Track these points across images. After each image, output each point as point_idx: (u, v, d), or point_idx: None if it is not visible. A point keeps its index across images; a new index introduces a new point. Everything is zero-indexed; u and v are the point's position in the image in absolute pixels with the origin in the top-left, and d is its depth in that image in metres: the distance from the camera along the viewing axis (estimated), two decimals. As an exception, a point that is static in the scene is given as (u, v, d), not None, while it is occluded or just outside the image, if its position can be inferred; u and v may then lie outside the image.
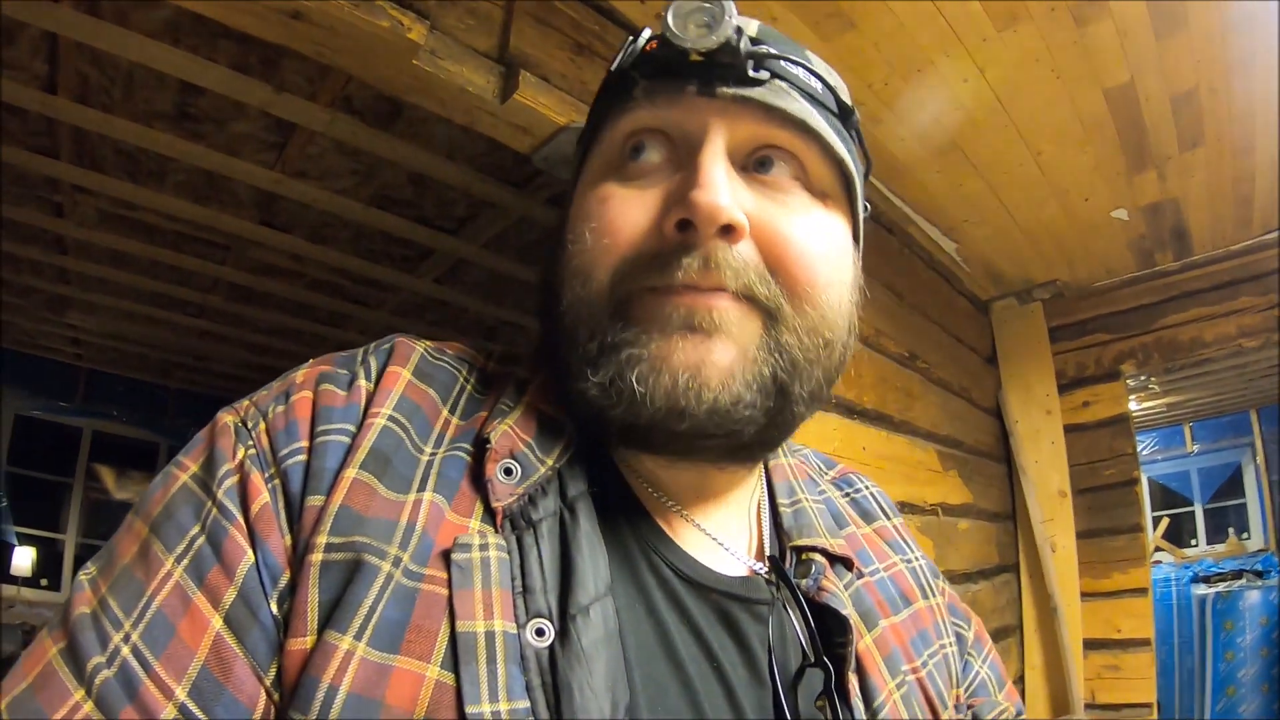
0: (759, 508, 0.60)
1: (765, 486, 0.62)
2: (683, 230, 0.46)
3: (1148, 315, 2.72)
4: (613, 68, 0.54)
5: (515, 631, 0.41)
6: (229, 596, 0.40)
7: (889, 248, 2.25)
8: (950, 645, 0.65)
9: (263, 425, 0.46)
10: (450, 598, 0.41)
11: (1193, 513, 6.99)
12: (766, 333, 0.48)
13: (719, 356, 0.46)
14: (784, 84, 0.50)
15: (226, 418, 0.47)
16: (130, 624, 0.39)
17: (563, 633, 0.42)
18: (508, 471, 0.46)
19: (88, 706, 0.37)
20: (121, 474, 5.68)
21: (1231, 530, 6.58)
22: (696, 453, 0.51)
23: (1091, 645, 2.59)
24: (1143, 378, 2.87)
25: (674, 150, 0.50)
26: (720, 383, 0.46)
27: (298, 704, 0.38)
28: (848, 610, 0.54)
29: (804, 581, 0.55)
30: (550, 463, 0.48)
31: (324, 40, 1.12)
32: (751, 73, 0.48)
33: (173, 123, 2.06)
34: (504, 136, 1.34)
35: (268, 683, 0.39)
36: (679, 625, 0.48)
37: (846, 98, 0.54)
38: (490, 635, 0.41)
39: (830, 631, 0.52)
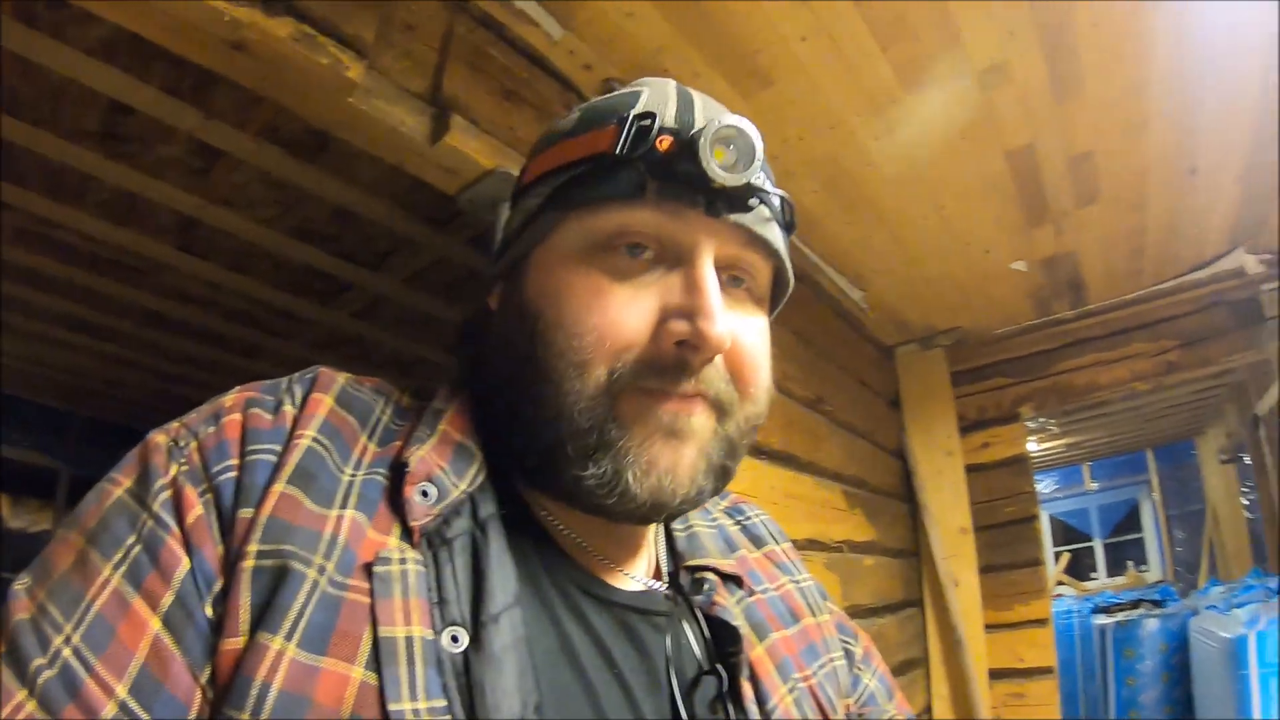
0: (654, 534, 0.65)
1: None
2: (681, 347, 0.52)
3: (1045, 361, 2.83)
4: (619, 150, 0.53)
5: (432, 638, 0.45)
6: (166, 600, 0.42)
7: (798, 295, 2.24)
8: (839, 659, 0.71)
9: (194, 444, 0.48)
10: (373, 606, 0.44)
11: (1093, 548, 7.32)
12: (719, 425, 0.55)
13: (688, 457, 0.53)
14: (765, 209, 0.56)
15: (158, 438, 0.49)
16: (70, 627, 0.41)
17: (475, 639, 0.45)
18: (424, 494, 0.50)
19: (30, 706, 0.38)
20: (16, 501, 5.36)
21: (1130, 563, 6.91)
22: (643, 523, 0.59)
23: (996, 675, 2.64)
24: (1041, 420, 3.01)
25: (663, 250, 0.54)
26: (689, 478, 0.53)
27: (232, 701, 0.40)
28: (739, 621, 0.59)
29: (698, 597, 0.60)
30: (464, 486, 0.52)
31: (264, 73, 1.11)
32: (749, 200, 0.54)
33: (98, 141, 2.01)
34: (431, 177, 1.35)
35: (203, 681, 0.42)
36: (581, 635, 0.53)
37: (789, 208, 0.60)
38: (409, 640, 0.44)
39: (724, 642, 0.58)
